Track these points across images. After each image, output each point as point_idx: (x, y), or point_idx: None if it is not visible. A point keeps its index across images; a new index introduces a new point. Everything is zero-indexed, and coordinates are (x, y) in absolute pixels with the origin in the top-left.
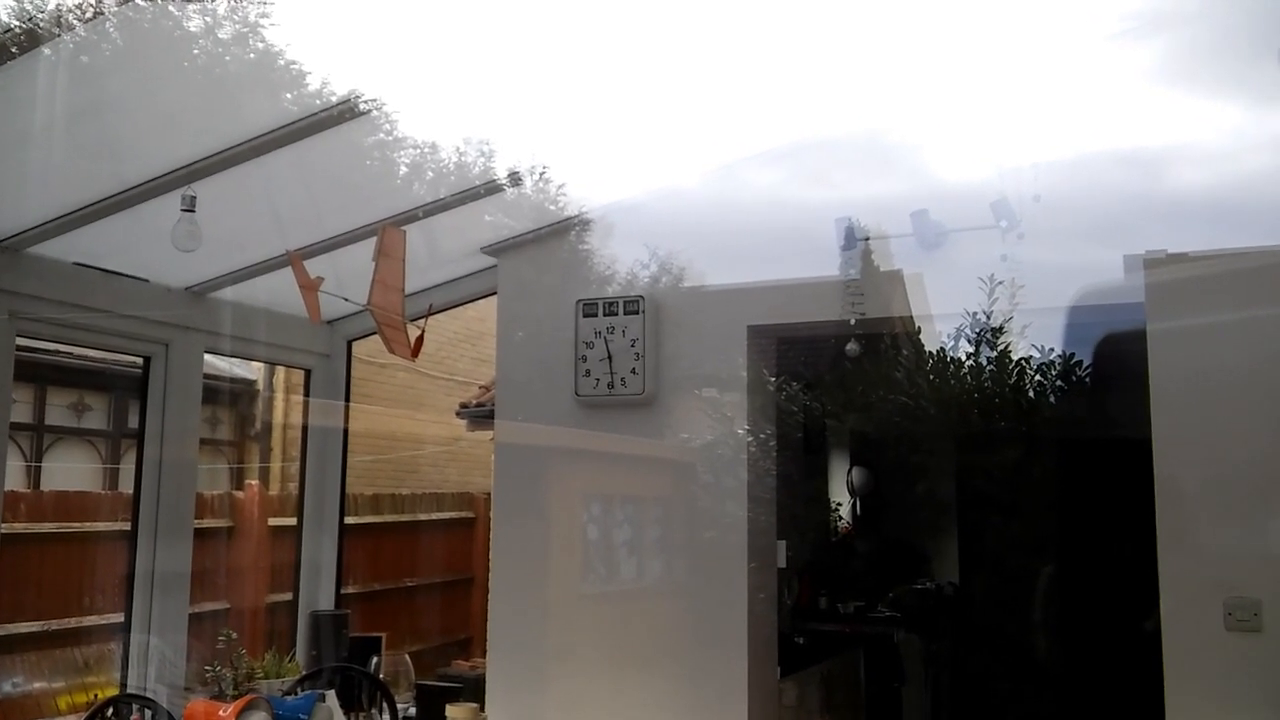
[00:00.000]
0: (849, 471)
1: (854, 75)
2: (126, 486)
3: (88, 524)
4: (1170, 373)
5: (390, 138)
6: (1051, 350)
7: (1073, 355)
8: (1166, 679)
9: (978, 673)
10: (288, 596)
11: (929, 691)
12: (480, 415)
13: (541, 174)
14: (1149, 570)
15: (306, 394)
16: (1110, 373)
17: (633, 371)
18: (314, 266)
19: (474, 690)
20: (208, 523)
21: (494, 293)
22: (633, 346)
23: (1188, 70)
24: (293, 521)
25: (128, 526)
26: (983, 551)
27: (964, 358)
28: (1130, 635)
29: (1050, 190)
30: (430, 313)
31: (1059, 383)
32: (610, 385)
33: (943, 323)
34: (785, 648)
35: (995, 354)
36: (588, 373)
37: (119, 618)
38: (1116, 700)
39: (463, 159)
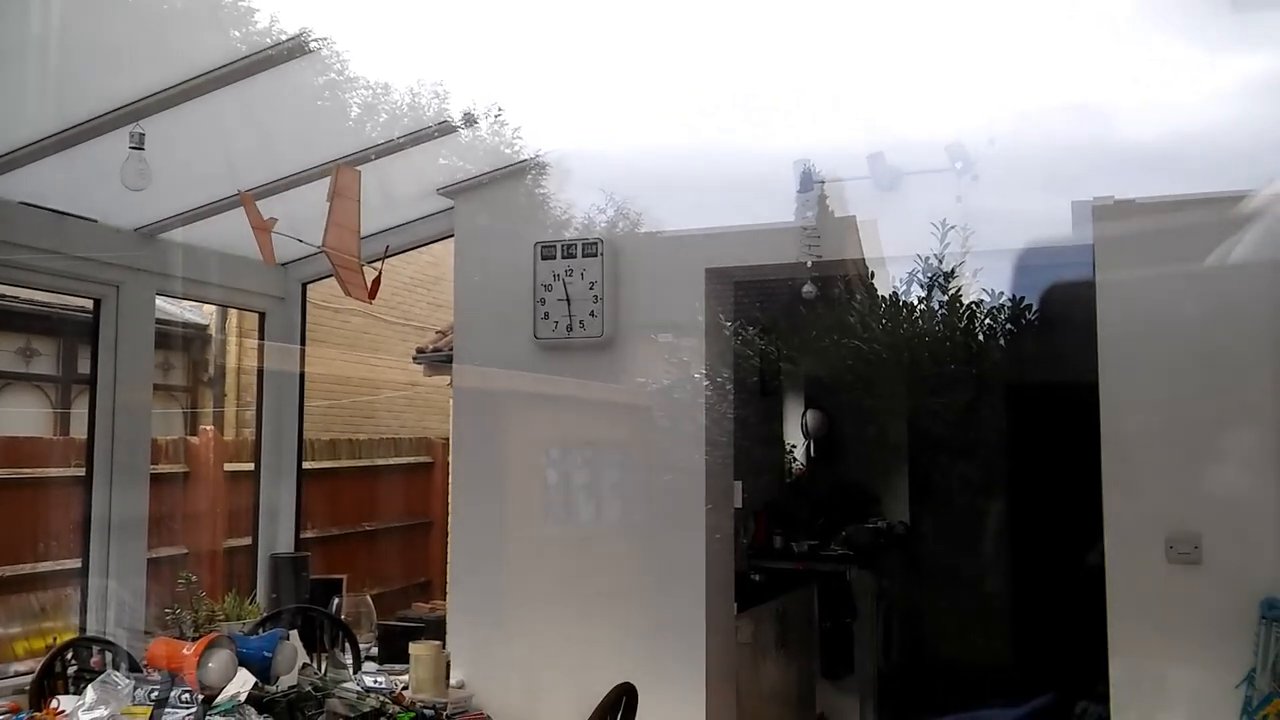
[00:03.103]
0: (804, 414)
1: (812, 20)
2: (78, 432)
3: (39, 470)
4: (1116, 316)
5: (341, 77)
6: (1001, 294)
7: (1022, 299)
8: (1110, 610)
9: (927, 607)
10: (246, 541)
11: (880, 626)
12: (437, 360)
13: (497, 116)
14: (1094, 508)
15: (261, 338)
16: (1058, 316)
17: (591, 314)
18: (266, 207)
19: (435, 631)
20: (163, 468)
21: (450, 235)
22: (591, 289)
23: (1143, 17)
24: (249, 466)
25: (81, 472)
26: (932, 491)
27: (916, 302)
28: (1075, 570)
29: (1004, 135)
30: (387, 255)
31: (1008, 326)
32: (569, 328)
33: (896, 267)
34: (742, 585)
35: (947, 298)
36: (546, 315)
37: (75, 563)
38: (1061, 632)
39: (416, 100)
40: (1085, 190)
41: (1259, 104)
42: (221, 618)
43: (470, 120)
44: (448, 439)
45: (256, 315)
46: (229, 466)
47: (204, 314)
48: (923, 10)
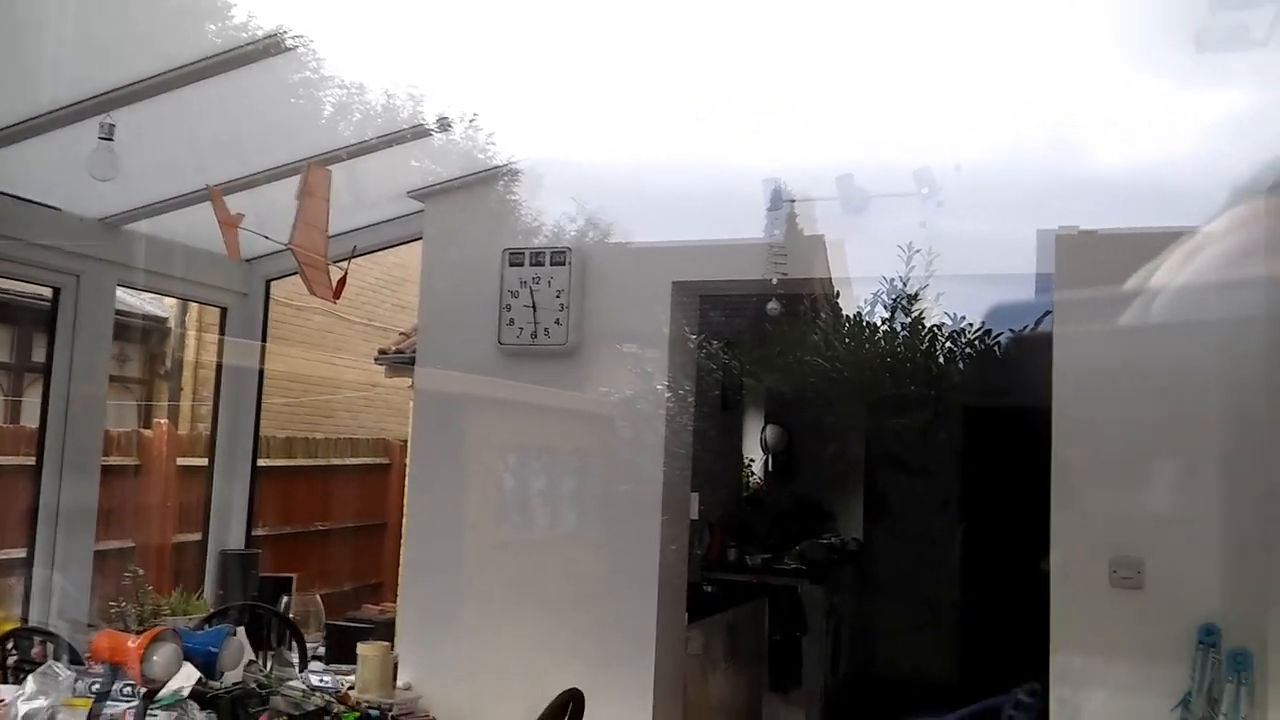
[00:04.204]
0: (763, 429)
1: (788, 40)
2: (30, 420)
3: None
4: (1073, 344)
5: (316, 75)
6: (963, 318)
7: (983, 324)
8: (1053, 630)
9: (876, 623)
10: (196, 536)
11: (829, 640)
12: (399, 362)
13: (471, 121)
14: (1043, 531)
15: (222, 333)
16: (1022, 342)
17: (556, 323)
18: (234, 203)
19: (384, 633)
20: (115, 460)
21: (419, 238)
22: (558, 298)
23: (1112, 53)
24: (202, 461)
25: (31, 461)
26: (887, 509)
27: (879, 323)
28: (1021, 589)
29: (971, 162)
30: (354, 255)
31: (968, 350)
32: (534, 335)
33: (861, 287)
34: (694, 597)
35: (909, 320)
36: (511, 321)
37: (20, 553)
38: (1006, 649)
39: (391, 102)
40: (1050, 219)
41: (1218, 141)
42: (168, 612)
43: (444, 124)
44: (405, 441)
45: (218, 310)
46: (182, 461)
47: (164, 307)
48: (897, 36)
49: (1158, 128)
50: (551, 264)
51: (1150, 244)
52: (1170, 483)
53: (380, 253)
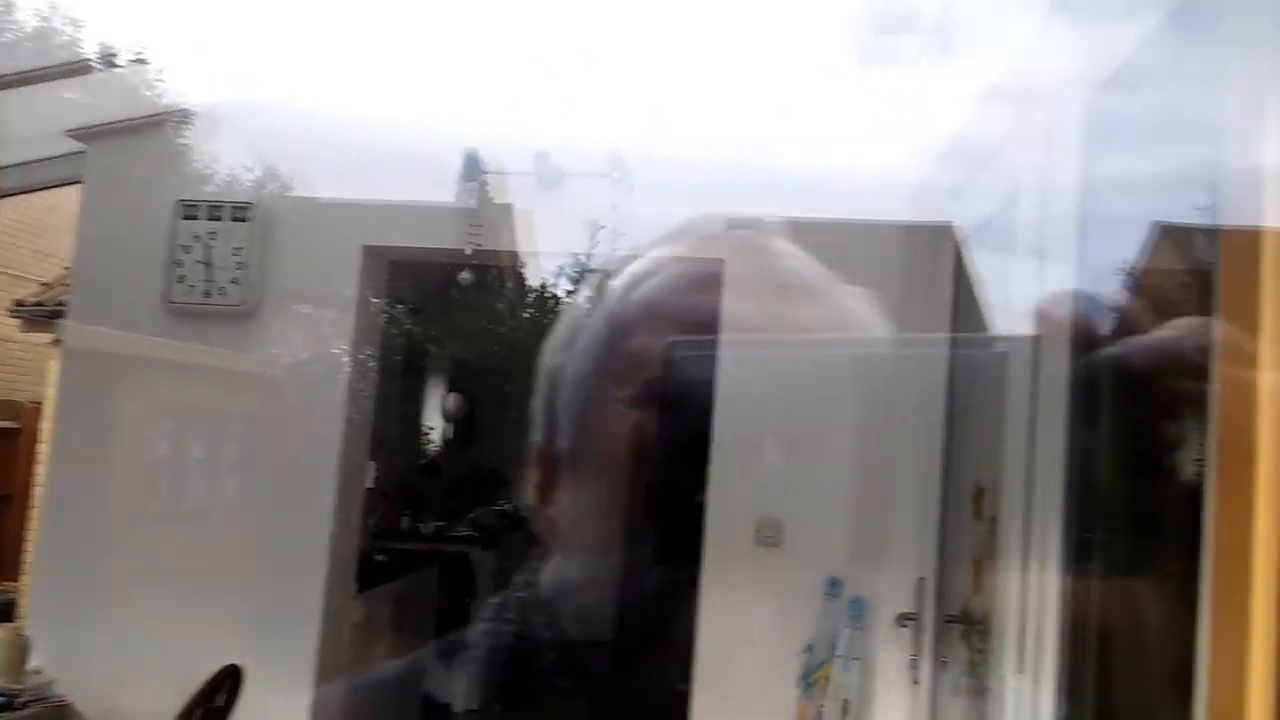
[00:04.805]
0: (445, 397)
1: (494, 11)
2: None
3: None
4: (734, 326)
5: None
6: None
7: None
8: (704, 585)
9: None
10: None
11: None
12: (40, 315)
13: (138, 58)
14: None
15: None
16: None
17: (233, 281)
18: None
19: (4, 614)
20: None
21: (76, 181)
22: (235, 255)
23: (794, 52)
24: None
25: None
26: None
27: (563, 295)
28: (677, 553)
29: (663, 148)
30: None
31: None
32: (207, 294)
33: (548, 261)
34: (365, 567)
35: (591, 294)
36: (182, 279)
37: None
38: (660, 605)
39: (47, 25)
40: (731, 207)
41: (884, 147)
42: None
43: (109, 60)
44: (40, 403)
45: None
46: None
47: None
48: (601, 22)
49: (832, 132)
50: (231, 219)
51: (818, 235)
52: (811, 454)
53: (26, 195)
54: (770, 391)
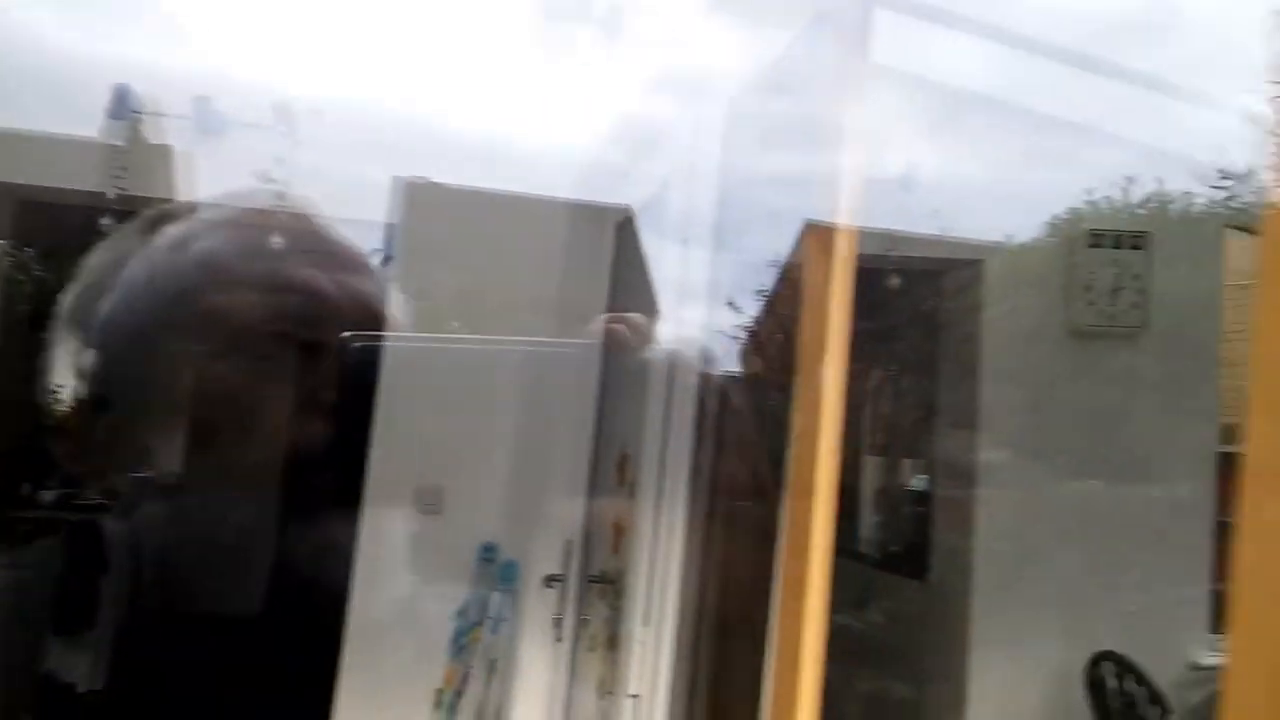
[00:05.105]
0: (79, 353)
1: None
2: None
3: None
4: (414, 290)
5: None
6: None
7: None
8: (360, 555)
9: (187, 557)
10: None
11: (128, 578)
12: None
13: None
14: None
15: None
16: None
17: None
18: None
19: None
20: None
21: None
22: None
23: (481, 20)
24: None
25: None
26: (213, 441)
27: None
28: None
29: (335, 104)
30: None
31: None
32: None
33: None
34: None
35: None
36: None
37: None
38: (305, 577)
39: None
40: (407, 170)
41: (556, 125)
42: None
43: None
44: None
45: None
46: None
47: None
48: None
49: (517, 95)
50: None
51: (492, 204)
52: (471, 419)
53: None
54: (437, 369)
